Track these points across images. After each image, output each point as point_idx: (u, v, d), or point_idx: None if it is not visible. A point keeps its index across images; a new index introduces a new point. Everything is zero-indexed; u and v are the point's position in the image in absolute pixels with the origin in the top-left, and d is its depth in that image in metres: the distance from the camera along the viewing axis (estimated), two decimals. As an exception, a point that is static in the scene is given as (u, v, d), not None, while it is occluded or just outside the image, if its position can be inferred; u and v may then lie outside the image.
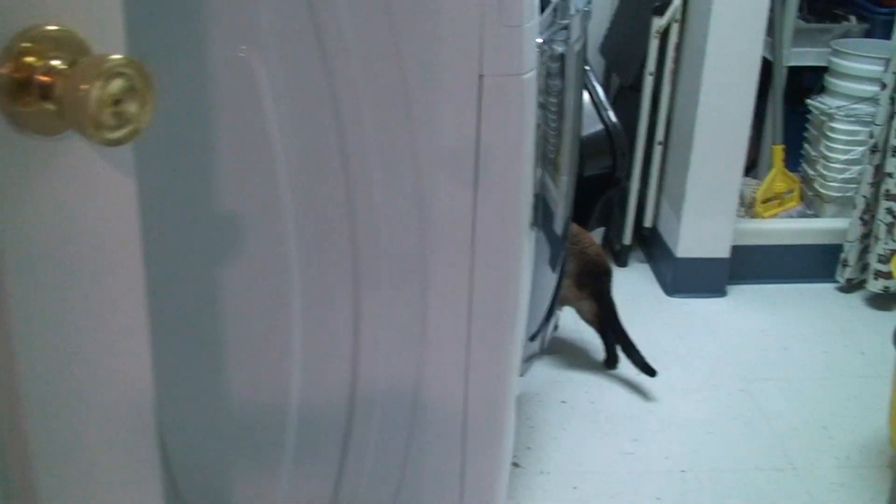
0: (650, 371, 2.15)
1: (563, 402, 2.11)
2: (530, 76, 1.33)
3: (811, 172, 2.74)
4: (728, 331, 2.40)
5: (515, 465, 1.90)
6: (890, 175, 2.39)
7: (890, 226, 2.42)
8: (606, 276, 2.23)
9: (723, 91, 2.38)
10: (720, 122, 2.40)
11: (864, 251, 2.53)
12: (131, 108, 0.60)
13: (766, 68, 2.58)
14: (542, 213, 1.63)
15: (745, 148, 2.46)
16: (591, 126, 2.45)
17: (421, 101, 1.30)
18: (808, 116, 2.76)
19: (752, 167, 2.85)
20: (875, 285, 2.48)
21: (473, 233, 1.37)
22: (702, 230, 2.50)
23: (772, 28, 2.52)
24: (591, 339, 2.32)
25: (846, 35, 2.79)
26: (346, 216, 1.35)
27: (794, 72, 2.79)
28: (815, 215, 2.73)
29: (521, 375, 1.66)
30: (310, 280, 1.38)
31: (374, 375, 1.44)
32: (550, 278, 1.94)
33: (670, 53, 2.48)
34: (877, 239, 2.46)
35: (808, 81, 2.88)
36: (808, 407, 2.11)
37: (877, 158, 2.43)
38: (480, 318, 1.44)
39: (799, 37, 2.73)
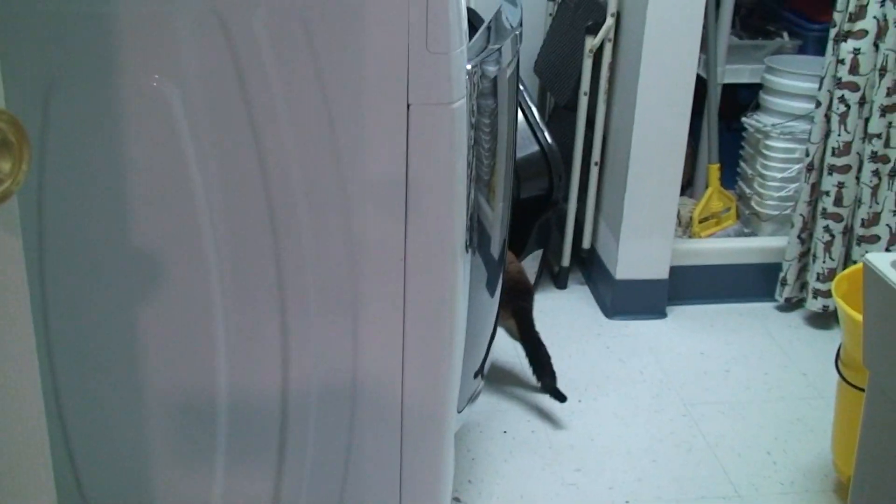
0: (560, 397, 2.09)
1: (505, 432, 2.06)
2: (460, 104, 1.27)
3: (748, 191, 2.73)
4: (669, 353, 2.37)
5: (457, 500, 1.84)
6: (827, 193, 2.38)
7: (828, 244, 2.41)
8: (527, 294, 2.18)
9: (658, 110, 2.35)
10: (656, 141, 2.37)
11: (803, 270, 2.52)
12: (4, 166, 0.53)
13: (701, 86, 2.56)
14: (477, 237, 1.58)
15: (682, 168, 2.44)
16: (527, 148, 2.41)
17: (347, 133, 1.24)
18: (744, 134, 2.75)
19: (687, 186, 2.83)
20: (814, 304, 2.47)
21: (405, 263, 1.31)
22: (640, 251, 2.47)
23: (705, 45, 2.51)
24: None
25: (779, 52, 2.79)
26: (271, 247, 1.29)
27: (729, 88, 2.78)
28: (753, 233, 2.71)
29: (460, 412, 1.60)
30: (235, 315, 1.31)
31: (307, 388, 1.37)
32: (489, 303, 1.88)
33: (604, 73, 2.45)
34: (815, 257, 2.44)
35: (742, 98, 2.87)
36: (751, 431, 2.08)
37: (813, 176, 2.41)
38: (415, 352, 1.38)
39: (733, 54, 2.72)
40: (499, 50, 1.49)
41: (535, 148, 2.43)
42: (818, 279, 2.44)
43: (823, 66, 2.33)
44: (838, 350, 1.81)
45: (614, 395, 2.19)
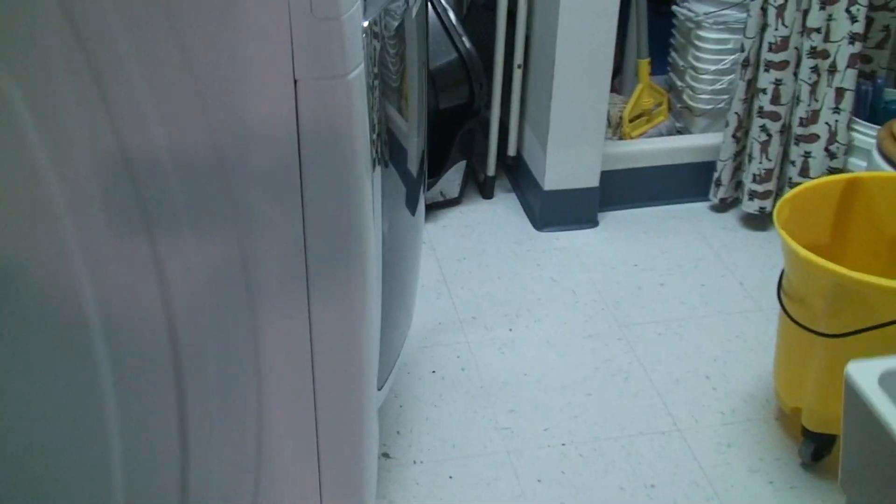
0: None
1: (433, 371, 1.95)
2: (357, 74, 1.10)
3: (679, 84, 2.58)
4: (601, 268, 2.26)
5: (386, 455, 1.74)
6: (763, 91, 2.25)
7: (764, 144, 2.29)
8: None
9: (584, 9, 2.16)
10: (583, 40, 2.20)
11: (738, 169, 2.41)
12: None
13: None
14: (389, 150, 1.41)
15: (611, 68, 2.27)
16: (444, 55, 2.23)
17: (225, 115, 1.06)
18: (674, 22, 2.58)
19: (614, 80, 2.67)
20: (750, 206, 2.37)
21: (306, 260, 1.16)
22: (569, 160, 2.33)
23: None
24: (457, 291, 2.16)
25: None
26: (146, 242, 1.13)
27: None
28: (686, 129, 2.58)
29: (380, 388, 1.48)
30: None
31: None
32: (411, 222, 1.73)
33: (525, -33, 2.25)
34: (751, 158, 2.33)
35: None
36: (689, 353, 2.00)
37: (748, 73, 2.27)
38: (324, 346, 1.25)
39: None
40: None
41: (454, 55, 2.24)
42: (754, 180, 2.33)
43: (759, -46, 2.16)
44: (780, 279, 1.72)
45: (546, 321, 2.08)
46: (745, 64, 2.26)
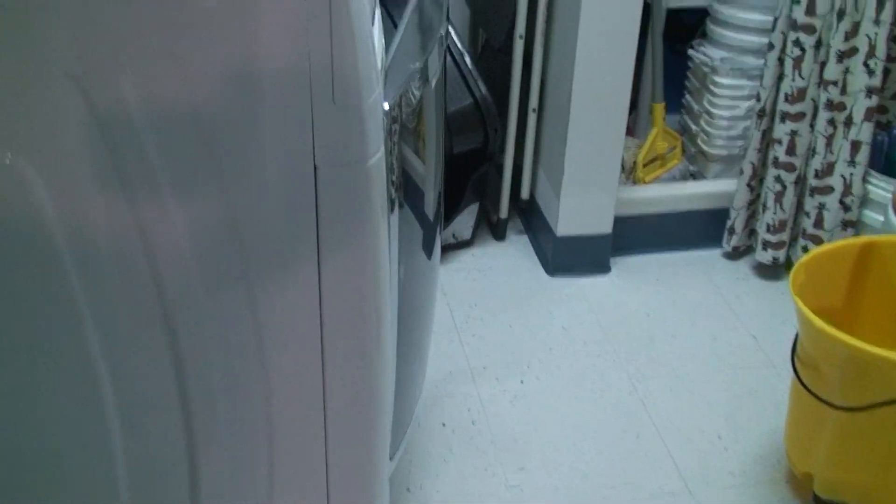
0: None
1: (444, 424, 1.94)
2: (377, 159, 1.09)
3: (693, 127, 2.57)
4: (614, 317, 2.25)
5: (393, 513, 1.73)
6: (779, 142, 2.23)
7: (779, 194, 2.27)
8: None
9: (601, 50, 2.15)
10: (599, 85, 2.19)
11: (752, 218, 2.40)
12: None
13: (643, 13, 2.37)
14: (403, 193, 1.40)
15: (626, 114, 2.26)
16: (459, 100, 2.22)
17: (244, 199, 1.05)
18: (690, 64, 2.57)
19: (628, 126, 2.66)
20: (763, 256, 2.35)
21: (322, 347, 1.15)
22: (582, 206, 2.32)
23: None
24: (468, 338, 2.15)
25: (728, -26, 2.58)
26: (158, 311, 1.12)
27: (672, 10, 2.58)
28: (700, 174, 2.57)
29: (392, 458, 1.47)
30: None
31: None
32: (427, 266, 1.72)
33: (542, 11, 2.24)
34: (765, 207, 2.32)
35: (687, 20, 2.68)
36: (701, 410, 1.98)
37: (764, 123, 2.26)
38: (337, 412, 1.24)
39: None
40: (425, 64, 1.29)
41: (469, 100, 2.23)
42: (768, 230, 2.32)
43: (778, 5, 2.15)
44: (794, 343, 1.70)
45: (558, 373, 2.07)
46: (761, 114, 2.25)
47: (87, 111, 0.96)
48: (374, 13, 1.15)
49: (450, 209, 2.37)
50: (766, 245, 2.34)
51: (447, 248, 2.44)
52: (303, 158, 1.04)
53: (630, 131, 2.64)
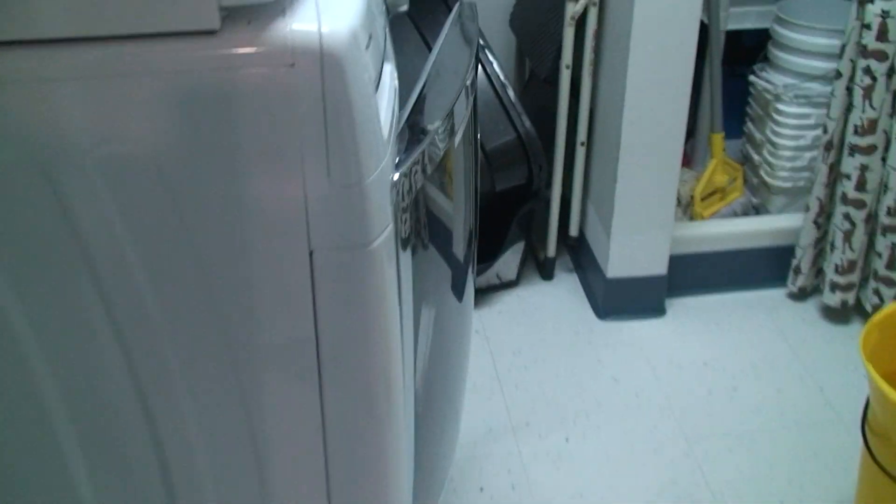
0: None
1: (482, 489, 1.81)
2: (382, 241, 0.96)
3: (756, 157, 2.40)
4: (668, 366, 2.09)
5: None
6: (847, 177, 2.06)
7: (847, 233, 2.10)
8: None
9: (653, 81, 2.00)
10: (651, 117, 2.04)
11: (819, 256, 2.22)
12: None
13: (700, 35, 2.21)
14: (429, 232, 1.27)
15: (681, 148, 2.11)
16: (502, 135, 2.09)
17: (232, 294, 0.93)
18: (751, 90, 2.41)
19: (684, 156, 2.51)
20: (831, 298, 2.18)
21: (325, 447, 1.03)
22: (635, 246, 2.17)
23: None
24: (510, 390, 2.01)
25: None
26: (147, 432, 1.00)
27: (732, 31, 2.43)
28: (763, 206, 2.41)
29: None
30: None
31: None
32: (458, 309, 1.59)
33: (589, 42, 2.10)
34: (833, 247, 2.14)
35: (747, 41, 2.51)
36: (762, 472, 1.82)
37: (831, 157, 2.09)
38: None
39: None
40: (450, 113, 1.16)
41: (512, 135, 2.10)
42: (836, 271, 2.15)
43: (846, 30, 1.98)
44: (865, 409, 1.54)
45: (606, 430, 1.92)
46: (828, 146, 2.08)
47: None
48: (380, 71, 1.03)
49: (493, 249, 2.24)
50: (835, 287, 2.16)
51: (491, 290, 2.31)
52: (297, 242, 0.92)
53: (687, 161, 2.48)
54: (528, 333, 2.20)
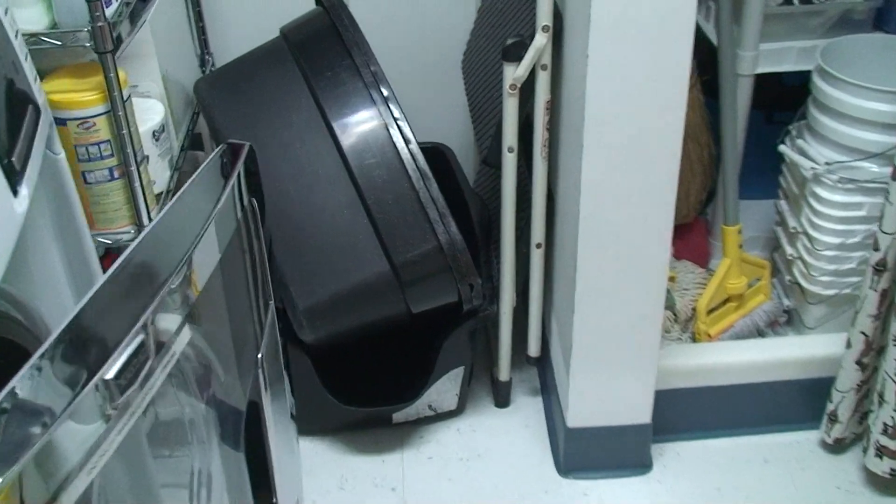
0: None
1: None
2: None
3: (789, 249, 1.78)
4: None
5: None
6: (903, 314, 1.45)
7: (902, 388, 1.49)
8: None
9: (620, 166, 1.40)
10: (620, 215, 1.44)
11: (864, 399, 1.62)
12: None
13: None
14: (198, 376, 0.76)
15: (668, 245, 1.50)
16: (416, 243, 1.52)
17: None
18: (785, 161, 1.78)
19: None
20: (878, 465, 1.58)
21: None
22: (603, 389, 1.60)
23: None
24: None
25: (845, 22, 1.76)
26: None
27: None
28: (797, 314, 1.80)
29: None
30: None
31: None
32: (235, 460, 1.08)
33: (540, 117, 1.50)
34: (882, 400, 1.54)
35: (788, 79, 1.87)
36: None
37: (883, 281, 1.47)
38: None
39: (770, 23, 1.73)
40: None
41: (430, 244, 1.53)
42: (885, 431, 1.54)
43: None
44: None
45: None
46: (879, 268, 1.46)
47: None
48: None
49: (418, 380, 1.69)
50: (882, 452, 1.56)
51: (423, 422, 1.77)
52: None
53: (700, 253, 1.88)
54: (464, 493, 1.66)
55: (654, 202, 1.42)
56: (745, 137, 1.85)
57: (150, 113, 1.50)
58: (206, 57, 1.90)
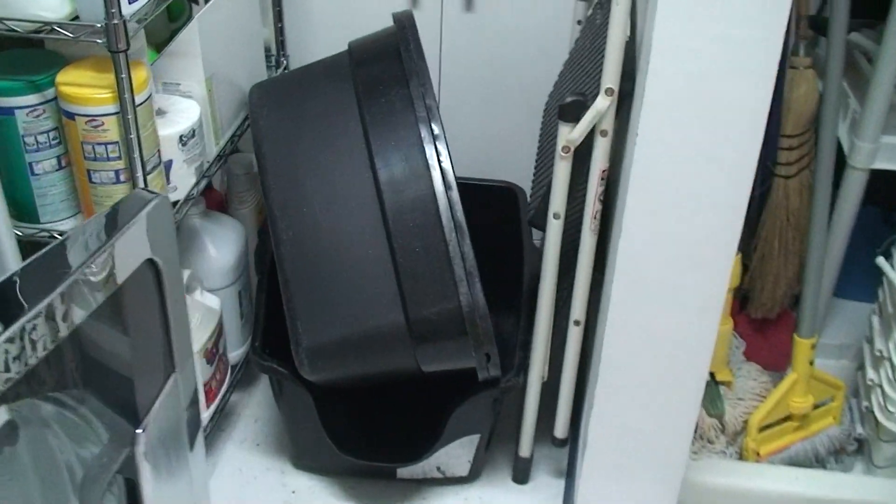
0: None
1: None
2: None
3: (871, 373, 1.56)
4: None
5: None
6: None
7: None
8: None
9: (658, 220, 1.24)
10: (653, 295, 1.28)
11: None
12: None
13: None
14: None
15: (710, 349, 1.32)
16: (436, 300, 1.39)
17: None
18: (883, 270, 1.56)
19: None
20: None
21: None
22: (619, 493, 1.43)
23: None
24: None
25: None
26: None
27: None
28: (868, 447, 1.58)
29: None
30: None
31: None
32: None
33: (594, 186, 1.34)
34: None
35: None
36: None
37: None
38: None
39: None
40: None
41: (451, 303, 1.39)
42: None
43: None
44: None
45: None
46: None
47: None
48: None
49: (427, 437, 1.57)
50: None
51: (428, 484, 1.64)
52: None
53: (780, 355, 1.67)
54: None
55: (700, 301, 1.25)
56: (850, 234, 1.64)
57: (183, 115, 1.41)
58: (282, 59, 1.81)
